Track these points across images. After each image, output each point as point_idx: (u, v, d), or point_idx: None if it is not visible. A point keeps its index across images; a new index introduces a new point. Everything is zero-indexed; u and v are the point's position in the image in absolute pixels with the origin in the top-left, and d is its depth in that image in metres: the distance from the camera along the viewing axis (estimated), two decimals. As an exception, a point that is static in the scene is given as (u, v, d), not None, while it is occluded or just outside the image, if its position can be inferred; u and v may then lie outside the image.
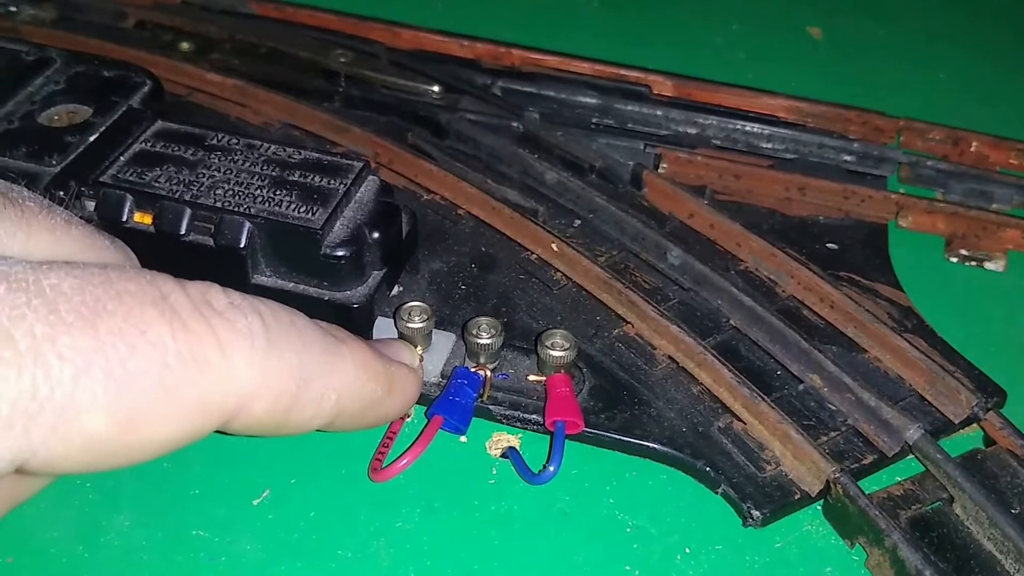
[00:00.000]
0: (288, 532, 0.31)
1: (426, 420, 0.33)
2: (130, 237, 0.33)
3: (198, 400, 0.20)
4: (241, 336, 0.21)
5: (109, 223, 0.34)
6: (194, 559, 0.31)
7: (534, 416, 0.34)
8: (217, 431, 0.22)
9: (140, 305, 0.19)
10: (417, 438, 0.32)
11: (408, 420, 0.34)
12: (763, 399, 0.34)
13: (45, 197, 0.25)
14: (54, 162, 0.35)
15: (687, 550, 0.31)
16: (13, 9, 0.53)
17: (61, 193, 0.34)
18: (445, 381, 0.34)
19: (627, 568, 0.31)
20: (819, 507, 0.32)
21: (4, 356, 0.17)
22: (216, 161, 0.35)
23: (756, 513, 0.32)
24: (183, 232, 0.34)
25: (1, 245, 0.22)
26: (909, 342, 0.36)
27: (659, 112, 0.48)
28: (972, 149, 0.47)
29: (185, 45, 0.51)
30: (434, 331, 0.35)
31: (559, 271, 0.39)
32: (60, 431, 0.18)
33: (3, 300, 0.18)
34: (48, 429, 0.18)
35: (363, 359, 0.25)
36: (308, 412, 0.23)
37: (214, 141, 0.36)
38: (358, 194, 0.35)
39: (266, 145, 0.36)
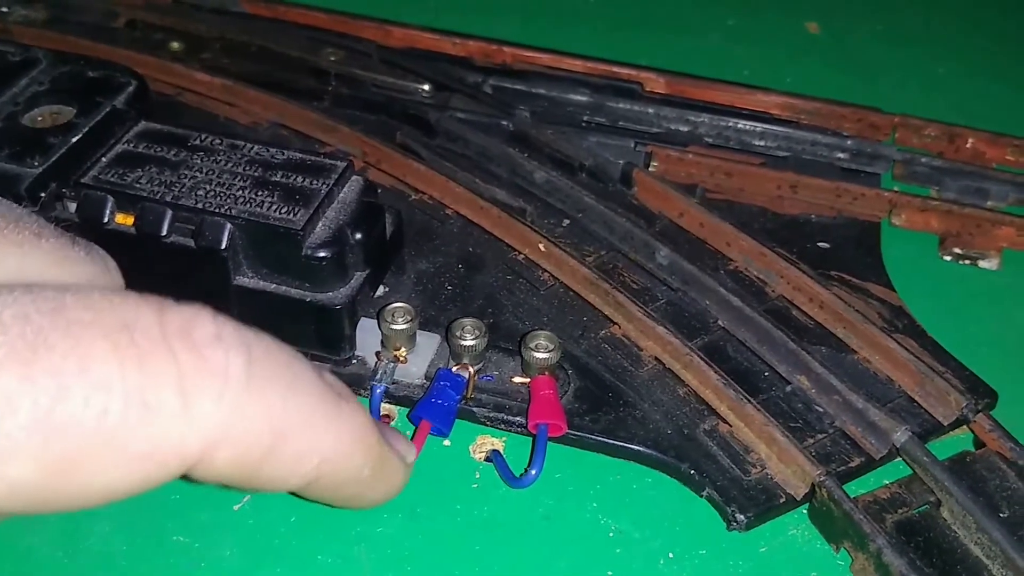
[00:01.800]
0: (269, 537, 0.31)
1: (409, 423, 0.33)
2: (111, 239, 0.34)
3: (146, 449, 0.18)
4: (212, 376, 0.18)
5: (90, 224, 0.34)
6: (175, 565, 0.30)
7: (518, 418, 0.34)
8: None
9: (90, 338, 0.17)
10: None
11: (391, 423, 0.34)
12: (749, 401, 0.33)
13: (24, 201, 0.23)
14: (36, 163, 0.35)
15: (671, 555, 0.31)
16: (4, 10, 0.53)
17: (43, 195, 0.34)
18: (429, 383, 0.34)
19: (610, 573, 0.30)
20: (805, 511, 0.32)
21: None
22: (198, 162, 0.35)
23: (740, 517, 0.31)
24: (164, 233, 0.33)
25: None
26: (899, 343, 0.35)
27: (651, 110, 0.47)
28: (968, 146, 0.47)
29: (175, 45, 0.51)
30: (418, 332, 0.35)
31: (546, 271, 0.39)
32: None
33: None
34: None
35: (360, 427, 0.22)
36: (282, 471, 0.20)
37: (197, 142, 0.36)
38: (341, 194, 0.35)
39: (249, 145, 0.36)
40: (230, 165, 0.35)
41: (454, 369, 0.34)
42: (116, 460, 0.17)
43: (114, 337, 0.17)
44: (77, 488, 0.17)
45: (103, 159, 0.35)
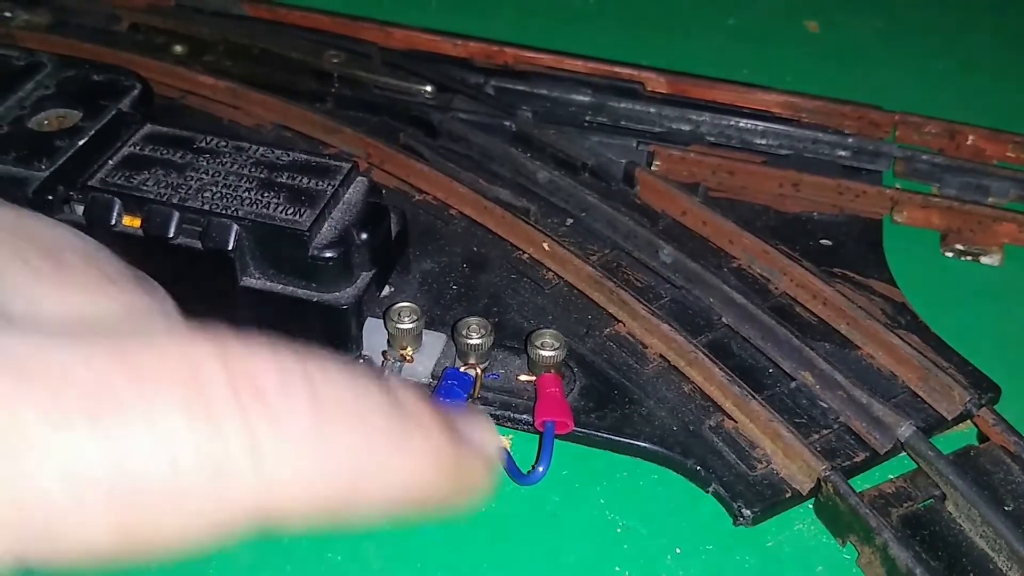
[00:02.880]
0: (279, 535, 0.31)
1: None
2: (119, 241, 0.34)
3: (215, 510, 0.17)
4: (280, 431, 0.17)
5: (98, 227, 0.34)
6: (185, 563, 0.30)
7: (524, 416, 0.34)
8: None
9: (160, 393, 0.16)
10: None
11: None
12: (754, 397, 0.33)
13: (29, 204, 0.22)
14: (43, 167, 0.35)
15: (678, 550, 0.31)
16: (8, 14, 0.53)
17: (50, 198, 0.34)
18: (436, 382, 0.34)
19: (617, 569, 0.31)
20: (810, 505, 0.32)
21: None
22: (204, 164, 0.35)
23: (747, 512, 0.31)
24: (171, 235, 0.34)
25: (31, 302, 0.19)
26: (902, 338, 0.36)
27: (652, 109, 0.48)
28: (969, 143, 0.47)
29: (178, 48, 0.51)
30: (424, 331, 0.35)
31: (551, 270, 0.39)
32: (50, 539, 0.16)
33: (3, 393, 0.15)
34: (38, 536, 0.16)
35: (435, 450, 0.20)
36: (353, 514, 0.19)
37: (202, 144, 0.36)
38: (346, 195, 0.35)
39: (254, 147, 0.36)
40: (236, 167, 0.35)
41: (461, 368, 0.34)
42: (184, 521, 0.17)
43: (184, 393, 0.17)
44: (143, 547, 0.17)
45: (109, 162, 0.35)
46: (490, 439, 0.24)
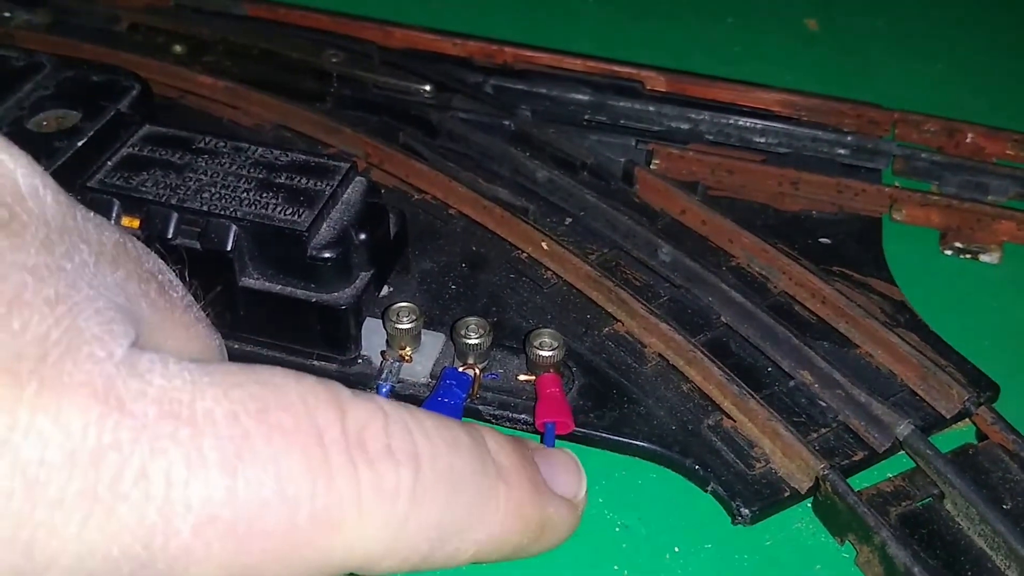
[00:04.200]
0: None
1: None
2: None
3: (319, 561, 0.18)
4: (386, 496, 0.18)
5: (97, 228, 0.34)
6: None
7: (523, 416, 0.34)
8: None
9: (289, 447, 0.17)
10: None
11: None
12: (752, 396, 0.33)
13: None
14: (42, 167, 0.35)
15: (676, 549, 0.31)
16: (7, 15, 0.53)
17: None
18: (434, 382, 0.34)
19: (616, 567, 0.31)
20: (809, 504, 0.32)
21: (132, 496, 0.16)
22: (203, 164, 0.35)
23: (745, 511, 0.31)
24: (170, 236, 0.34)
25: (145, 341, 0.19)
26: (901, 337, 0.36)
27: (652, 108, 0.48)
28: (968, 140, 0.47)
29: (178, 48, 0.51)
30: (423, 331, 0.35)
31: (549, 270, 0.39)
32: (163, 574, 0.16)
33: (150, 428, 0.16)
34: (154, 572, 0.16)
35: (518, 504, 0.21)
36: (436, 566, 0.20)
37: (201, 144, 0.36)
38: (345, 195, 0.35)
39: (253, 148, 0.36)
40: (234, 167, 0.35)
41: (459, 368, 0.34)
42: (289, 566, 0.18)
43: (310, 449, 0.17)
44: None
45: (108, 163, 0.35)
46: (576, 482, 0.25)
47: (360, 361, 0.35)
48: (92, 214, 0.18)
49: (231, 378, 0.17)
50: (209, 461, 0.16)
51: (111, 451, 0.15)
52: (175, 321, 0.21)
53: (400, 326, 0.34)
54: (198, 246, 0.33)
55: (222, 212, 0.33)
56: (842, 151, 0.46)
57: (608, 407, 0.34)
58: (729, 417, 0.34)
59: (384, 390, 0.34)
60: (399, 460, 0.19)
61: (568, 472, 0.25)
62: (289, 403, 0.17)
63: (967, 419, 0.34)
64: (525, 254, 0.40)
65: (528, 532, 0.22)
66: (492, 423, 0.34)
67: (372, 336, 0.35)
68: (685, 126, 0.48)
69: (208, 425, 0.16)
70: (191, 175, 0.35)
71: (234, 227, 0.33)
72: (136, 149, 0.36)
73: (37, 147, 0.35)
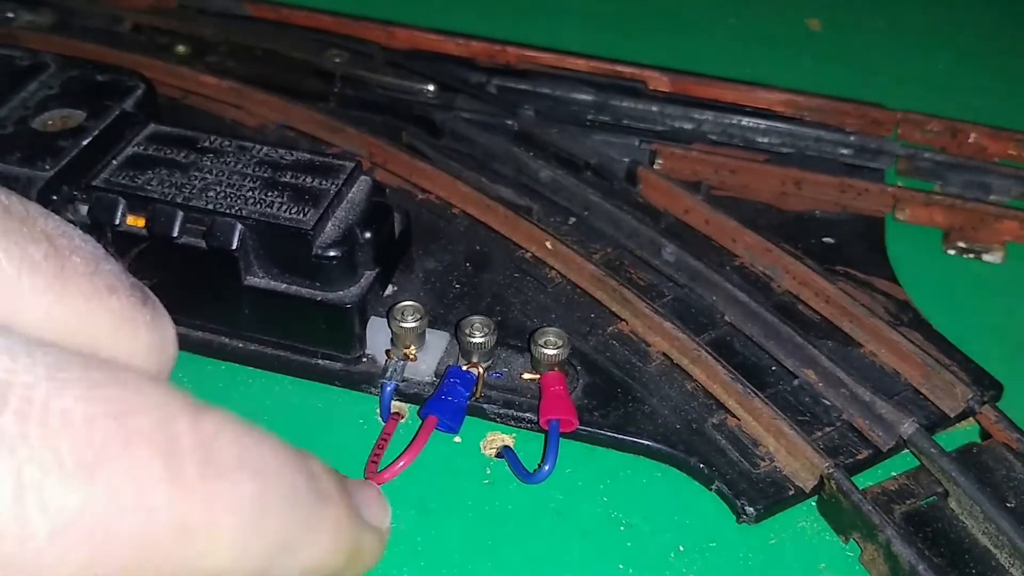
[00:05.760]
0: None
1: (419, 420, 0.33)
2: (123, 240, 0.34)
3: (172, 572, 0.18)
4: (236, 510, 0.18)
5: (102, 226, 0.34)
6: None
7: (528, 414, 0.34)
8: None
9: (149, 454, 0.17)
10: (413, 439, 0.32)
11: (402, 421, 0.35)
12: (757, 395, 0.33)
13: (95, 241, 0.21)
14: (47, 167, 0.35)
15: (681, 548, 0.31)
16: (10, 15, 0.53)
17: (54, 198, 0.35)
18: (439, 380, 0.34)
19: (620, 566, 0.31)
20: (813, 503, 0.32)
21: None
22: (208, 163, 0.35)
23: (750, 509, 0.31)
24: (176, 234, 0.34)
25: (21, 306, 0.19)
26: (904, 336, 0.36)
27: (655, 108, 0.48)
28: (971, 140, 0.47)
29: (181, 48, 0.51)
30: (428, 330, 0.35)
31: (553, 269, 0.39)
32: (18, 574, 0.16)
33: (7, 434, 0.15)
34: (11, 571, 0.16)
35: (338, 525, 0.22)
36: None
37: (206, 143, 0.36)
38: (350, 194, 0.35)
39: (258, 147, 0.36)
40: (239, 166, 0.35)
41: (464, 366, 0.34)
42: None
43: (168, 458, 0.17)
44: None
45: (113, 162, 0.35)
46: (384, 514, 0.25)
47: (365, 360, 0.35)
48: None
49: (91, 375, 0.17)
50: (68, 467, 0.16)
51: None
52: (69, 291, 0.19)
53: (404, 325, 0.34)
54: (203, 245, 0.34)
55: (227, 211, 0.34)
56: (845, 151, 0.46)
57: (612, 405, 0.34)
58: (733, 416, 0.34)
59: (389, 389, 0.34)
60: (249, 472, 0.18)
61: (378, 504, 0.26)
62: (148, 408, 0.17)
63: (971, 418, 0.34)
64: (529, 253, 0.40)
65: (345, 556, 0.22)
66: (497, 421, 0.34)
67: (376, 335, 0.35)
68: (688, 126, 0.48)
69: (65, 427, 0.16)
70: (196, 174, 0.35)
71: (239, 226, 0.33)
72: (141, 148, 0.36)
73: (42, 147, 0.36)
